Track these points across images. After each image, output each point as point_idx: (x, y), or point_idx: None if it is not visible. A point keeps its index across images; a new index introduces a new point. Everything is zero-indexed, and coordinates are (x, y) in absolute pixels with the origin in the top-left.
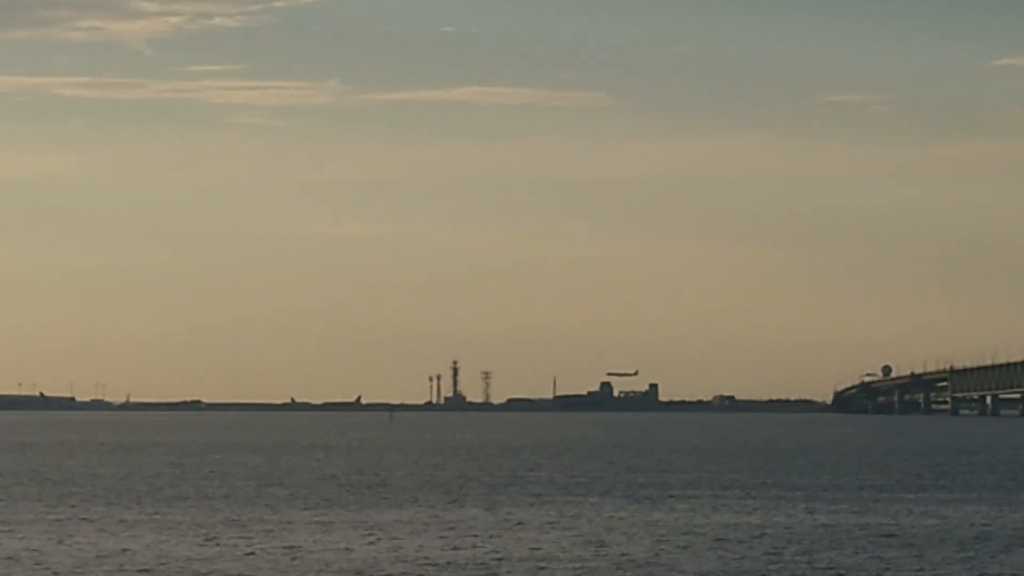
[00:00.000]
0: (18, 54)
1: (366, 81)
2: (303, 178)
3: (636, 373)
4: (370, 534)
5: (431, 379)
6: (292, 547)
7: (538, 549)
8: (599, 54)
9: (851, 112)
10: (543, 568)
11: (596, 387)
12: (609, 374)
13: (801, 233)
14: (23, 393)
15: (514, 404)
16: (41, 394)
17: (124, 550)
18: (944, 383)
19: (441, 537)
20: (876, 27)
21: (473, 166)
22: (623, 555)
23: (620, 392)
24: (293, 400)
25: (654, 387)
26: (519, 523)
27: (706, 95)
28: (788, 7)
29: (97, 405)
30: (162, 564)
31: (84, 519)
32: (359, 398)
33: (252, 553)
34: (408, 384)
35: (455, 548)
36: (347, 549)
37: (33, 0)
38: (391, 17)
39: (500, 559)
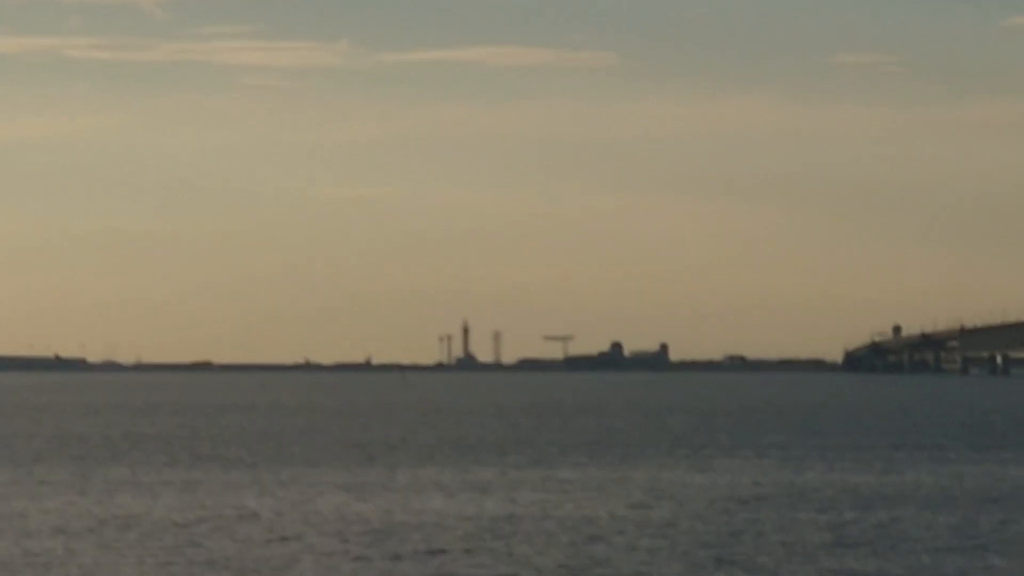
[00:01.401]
0: (27, 15)
1: (376, 41)
2: (314, 139)
3: (572, 337)
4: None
5: (441, 339)
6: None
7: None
8: (609, 14)
9: (861, 72)
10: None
11: (607, 347)
12: (545, 338)
13: (811, 193)
14: (35, 354)
15: (525, 365)
16: (56, 356)
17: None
18: (954, 343)
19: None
20: None
21: (483, 126)
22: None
23: (631, 353)
24: (308, 361)
25: (665, 347)
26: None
27: (716, 56)
28: None
29: (108, 367)
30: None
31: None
32: (369, 359)
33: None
34: (418, 344)
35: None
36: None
37: None
38: None
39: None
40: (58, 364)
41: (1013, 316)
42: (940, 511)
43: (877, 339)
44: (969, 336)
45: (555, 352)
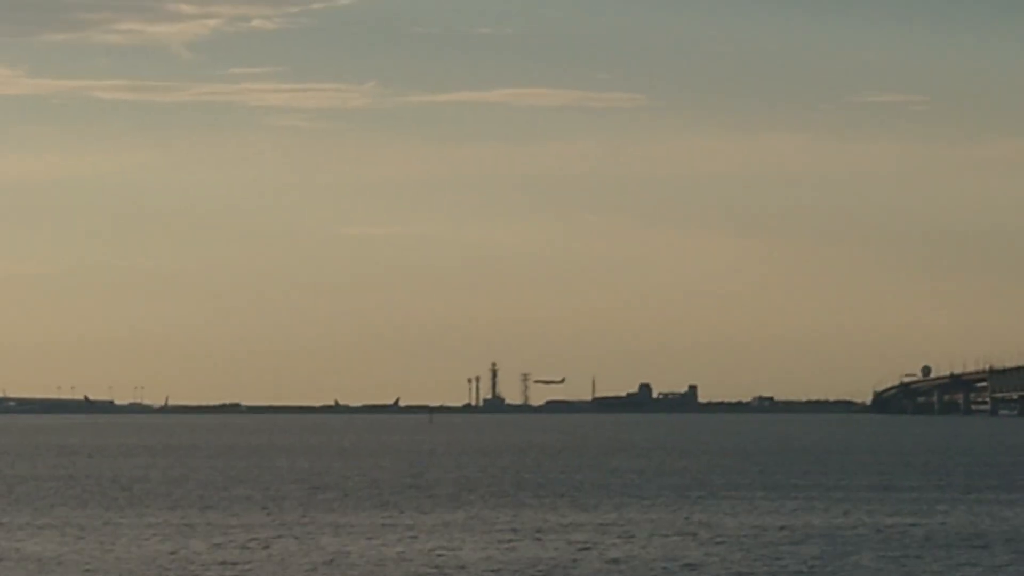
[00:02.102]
0: (57, 56)
1: (404, 83)
2: (341, 180)
3: (563, 381)
4: (414, 535)
5: (470, 381)
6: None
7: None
8: (635, 55)
9: (888, 111)
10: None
11: (635, 388)
12: (536, 382)
13: (840, 233)
14: (63, 397)
15: (552, 406)
16: (86, 398)
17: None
18: (984, 383)
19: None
20: (912, 26)
21: (510, 167)
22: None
23: (659, 394)
24: (337, 403)
25: (693, 388)
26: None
27: (742, 95)
28: (824, 6)
29: (136, 408)
30: (205, 567)
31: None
32: (398, 400)
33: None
34: (447, 386)
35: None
36: (399, 551)
37: (72, 2)
38: (428, 19)
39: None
40: (87, 407)
41: None
42: (972, 552)
43: (906, 380)
44: (999, 377)
45: (584, 394)
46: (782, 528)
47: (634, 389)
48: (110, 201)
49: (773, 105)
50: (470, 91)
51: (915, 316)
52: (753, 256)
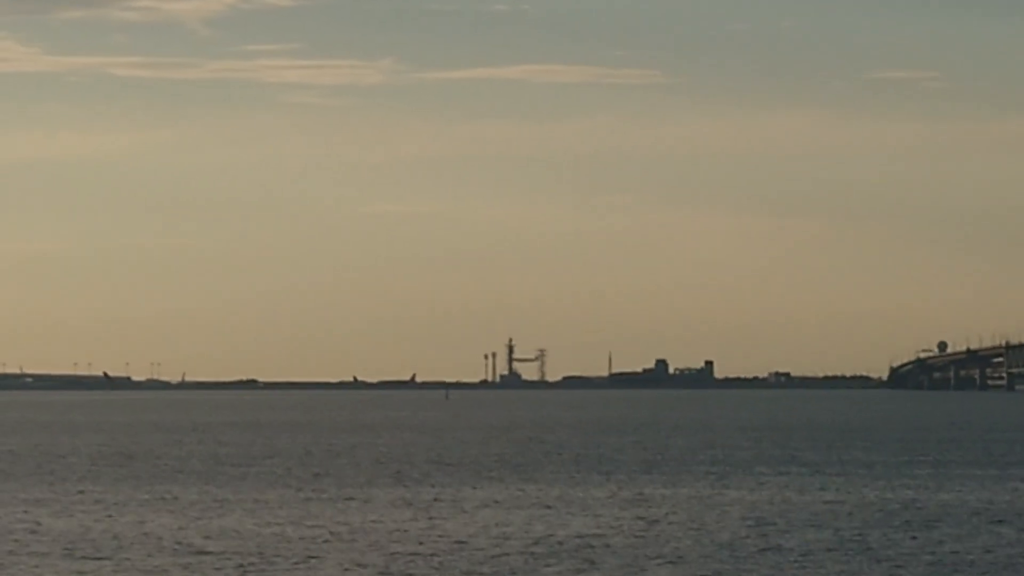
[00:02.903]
0: (73, 34)
1: (420, 60)
2: (357, 157)
3: (536, 358)
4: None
5: (486, 357)
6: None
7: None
8: (652, 32)
9: (904, 88)
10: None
11: (651, 364)
12: (515, 359)
13: (856, 209)
14: (80, 373)
15: (569, 382)
16: (105, 374)
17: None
18: (1000, 359)
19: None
20: (928, 3)
21: (527, 144)
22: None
23: (676, 369)
24: (356, 379)
25: (710, 364)
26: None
27: (758, 72)
28: None
29: (153, 384)
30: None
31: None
32: (414, 376)
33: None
34: (463, 362)
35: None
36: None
37: None
38: None
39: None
40: (105, 383)
41: None
42: (990, 527)
43: (922, 355)
44: (1015, 352)
45: (601, 369)
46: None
47: (650, 365)
48: (126, 179)
49: (789, 82)
50: (486, 68)
51: (931, 292)
52: (769, 232)
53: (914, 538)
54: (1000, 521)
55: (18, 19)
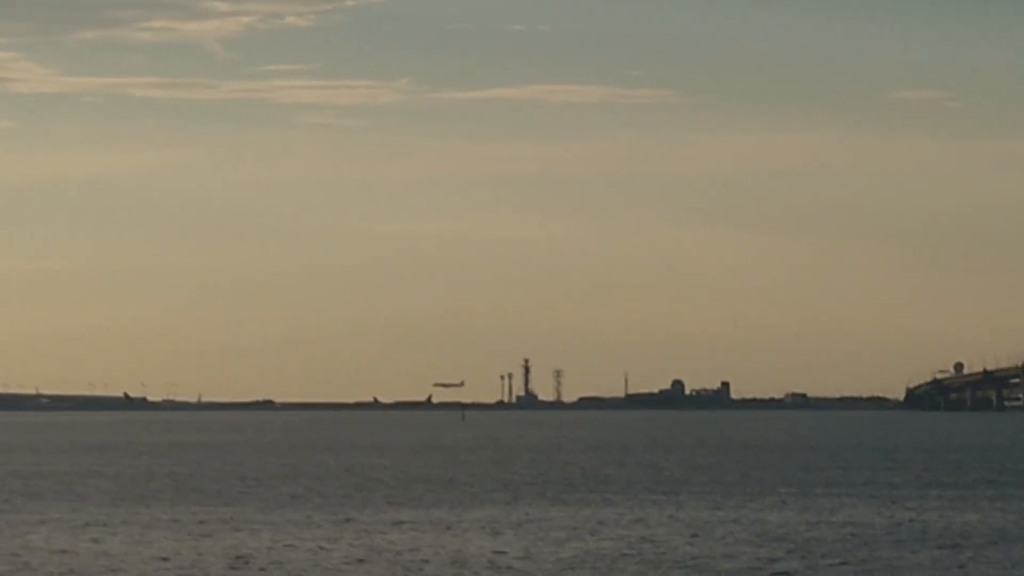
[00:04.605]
0: (89, 54)
1: (436, 80)
2: (373, 177)
3: (462, 384)
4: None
5: (502, 378)
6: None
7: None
8: (668, 51)
9: (922, 107)
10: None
11: (668, 385)
12: (435, 385)
13: (873, 229)
14: (96, 393)
15: (585, 403)
16: (125, 395)
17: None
18: (1016, 380)
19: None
20: (945, 22)
21: (543, 164)
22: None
23: (692, 390)
24: (376, 400)
25: (726, 385)
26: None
27: (777, 92)
28: (858, 2)
29: (170, 405)
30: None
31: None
32: (430, 397)
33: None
34: (479, 383)
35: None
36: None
37: (105, 0)
38: (461, 16)
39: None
40: (124, 404)
41: None
42: (1007, 550)
43: (939, 376)
44: None
45: (617, 390)
46: (820, 524)
47: (667, 386)
48: (143, 198)
49: (804, 102)
50: (503, 88)
51: (947, 312)
52: (786, 252)
53: (944, 558)
54: (1009, 542)
55: (35, 40)
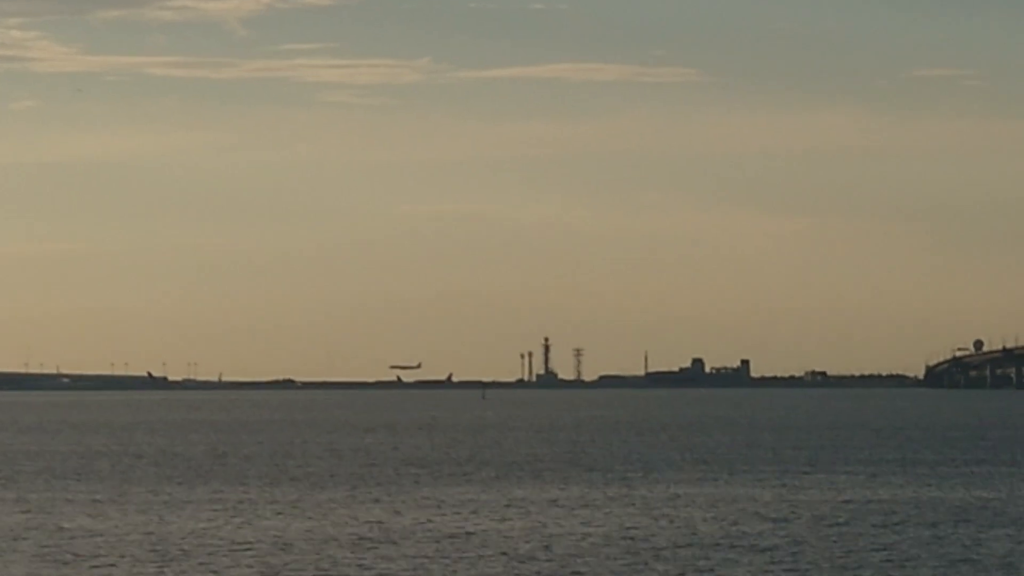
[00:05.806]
0: (110, 34)
1: (457, 59)
2: (394, 157)
3: (419, 366)
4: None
5: (523, 356)
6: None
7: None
8: (690, 30)
9: (941, 86)
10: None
11: (688, 363)
12: (392, 367)
13: (894, 208)
14: (117, 373)
15: (605, 381)
16: (148, 374)
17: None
18: None
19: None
20: (964, 2)
21: (564, 142)
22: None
23: (712, 368)
24: (399, 379)
25: (746, 363)
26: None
27: (797, 71)
28: None
29: (190, 384)
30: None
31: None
32: (450, 376)
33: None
34: (499, 361)
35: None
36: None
37: None
38: None
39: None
40: (145, 383)
41: None
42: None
43: (959, 354)
44: None
45: (637, 368)
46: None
47: (687, 364)
48: (163, 178)
49: (826, 81)
50: (523, 67)
51: (967, 290)
52: (806, 231)
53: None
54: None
55: (56, 19)
